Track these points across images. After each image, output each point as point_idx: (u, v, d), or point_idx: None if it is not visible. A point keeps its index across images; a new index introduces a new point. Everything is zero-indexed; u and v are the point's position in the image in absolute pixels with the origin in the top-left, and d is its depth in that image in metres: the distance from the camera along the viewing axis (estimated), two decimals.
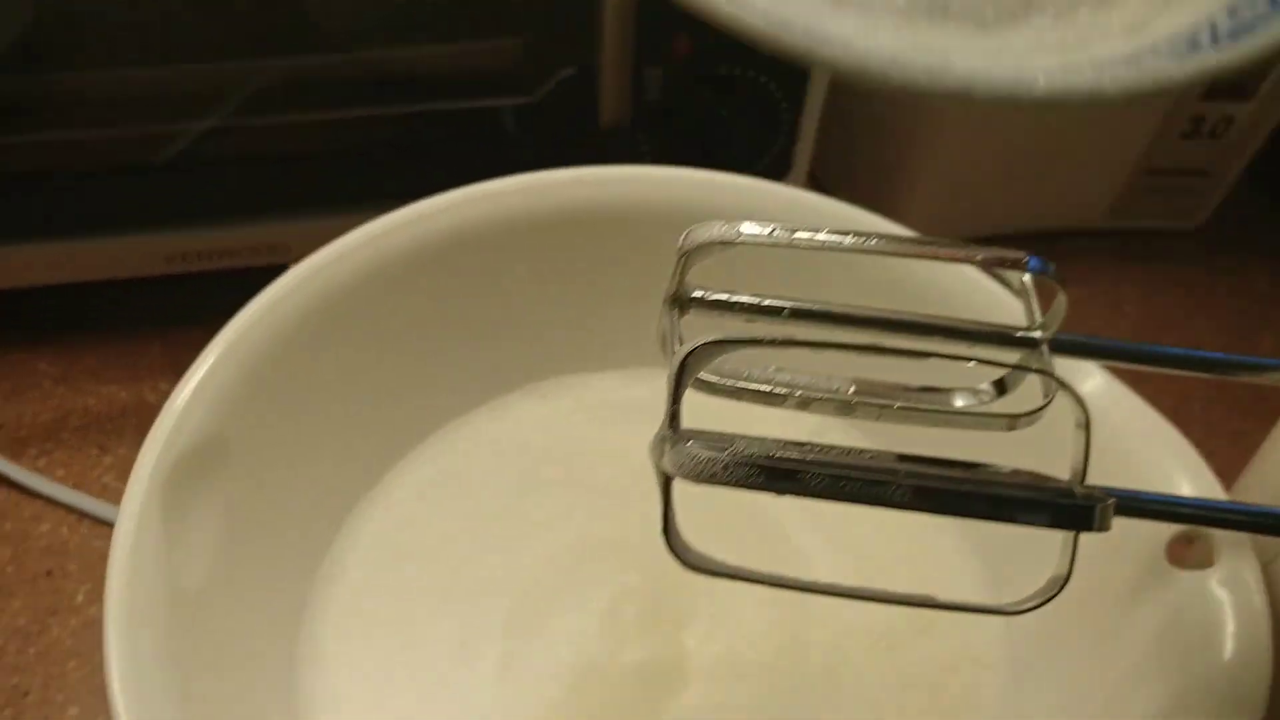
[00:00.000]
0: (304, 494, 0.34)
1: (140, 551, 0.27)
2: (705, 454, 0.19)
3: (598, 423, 0.39)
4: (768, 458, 0.19)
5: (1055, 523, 0.20)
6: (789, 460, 0.19)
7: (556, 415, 0.39)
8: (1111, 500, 0.20)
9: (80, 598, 0.41)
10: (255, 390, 0.31)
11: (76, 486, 0.43)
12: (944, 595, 0.35)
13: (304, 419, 0.33)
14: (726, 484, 0.19)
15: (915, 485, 0.19)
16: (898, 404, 0.22)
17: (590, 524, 0.36)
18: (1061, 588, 0.21)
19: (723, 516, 0.36)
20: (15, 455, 0.44)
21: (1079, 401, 0.21)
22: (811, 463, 0.19)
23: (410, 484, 0.37)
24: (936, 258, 0.21)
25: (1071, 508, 0.20)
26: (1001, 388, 0.25)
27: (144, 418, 0.29)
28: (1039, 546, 0.34)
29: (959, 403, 0.24)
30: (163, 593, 0.27)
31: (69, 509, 0.43)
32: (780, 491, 0.19)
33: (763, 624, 0.34)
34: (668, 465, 0.19)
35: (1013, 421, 0.22)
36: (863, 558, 0.36)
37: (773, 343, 0.20)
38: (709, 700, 0.32)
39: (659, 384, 0.40)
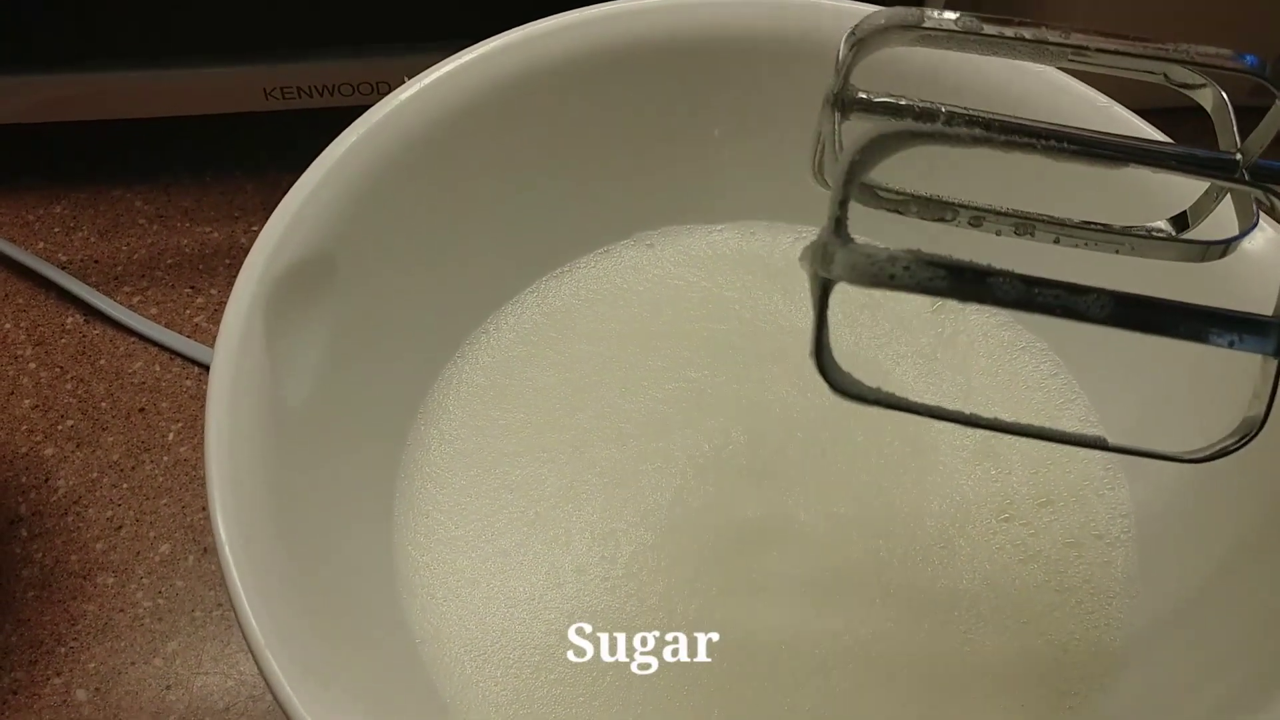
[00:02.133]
0: (409, 326, 0.32)
1: (244, 364, 0.26)
2: (886, 253, 0.17)
3: (707, 275, 0.37)
4: (959, 261, 0.17)
5: (1261, 345, 0.18)
6: (978, 264, 0.17)
7: (665, 266, 0.37)
8: None
9: (171, 436, 0.41)
10: (361, 211, 0.30)
11: (169, 325, 0.43)
12: (1071, 471, 0.33)
13: (409, 248, 0.32)
14: (905, 288, 0.17)
15: (1119, 295, 0.17)
16: (1078, 229, 0.20)
17: (696, 377, 0.35)
18: (1257, 431, 0.19)
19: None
20: (110, 291, 0.43)
21: None
22: (1007, 271, 0.17)
23: (514, 328, 0.35)
24: (1130, 54, 0.19)
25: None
26: (1183, 223, 0.23)
27: (237, 259, 0.28)
28: (1172, 428, 0.32)
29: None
30: (265, 409, 0.26)
31: (161, 348, 0.43)
32: (966, 298, 0.17)
33: (873, 490, 0.33)
34: (837, 267, 0.17)
35: (1206, 250, 0.20)
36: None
37: (961, 138, 0.18)
38: (808, 565, 0.31)
39: (772, 238, 0.39)
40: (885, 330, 0.36)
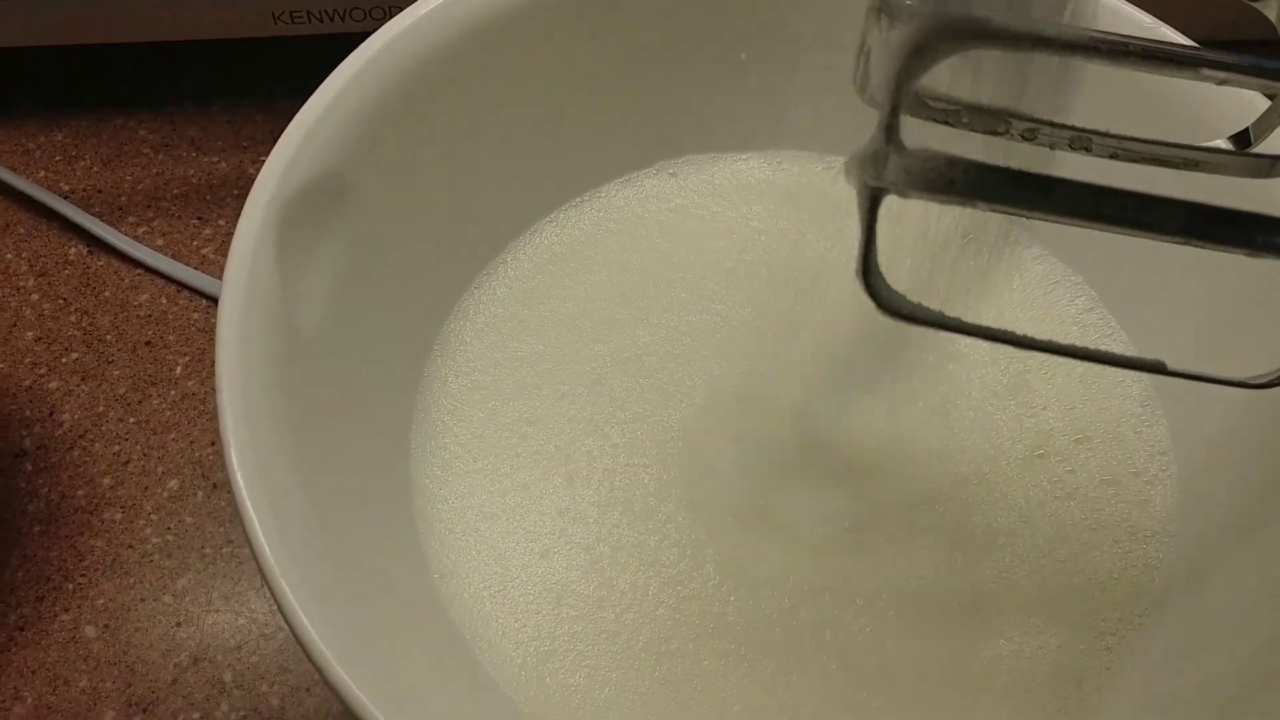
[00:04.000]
0: (424, 255, 0.31)
1: (255, 289, 0.25)
2: (942, 155, 0.16)
3: (732, 205, 0.36)
4: (1023, 166, 0.15)
5: None
6: (1042, 173, 0.16)
7: (689, 196, 0.36)
8: None
9: (179, 369, 0.40)
10: (375, 133, 0.29)
11: (176, 257, 0.42)
12: (1107, 407, 0.32)
13: (425, 173, 0.31)
14: (963, 195, 0.16)
15: (1193, 205, 0.15)
16: (1138, 143, 0.19)
17: (720, 309, 0.33)
18: None
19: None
20: (114, 222, 0.42)
21: None
22: (1073, 179, 0.16)
23: (534, 256, 0.34)
24: None
25: None
26: (1244, 141, 0.21)
27: (245, 190, 0.26)
28: (1215, 366, 0.31)
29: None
30: (277, 336, 0.25)
31: (168, 279, 0.41)
32: (1030, 207, 0.16)
33: (904, 428, 0.32)
34: (891, 172, 0.16)
35: (1275, 165, 0.19)
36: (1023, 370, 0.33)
37: (1023, 39, 0.16)
38: (837, 504, 0.30)
39: (800, 168, 0.38)
40: (914, 263, 0.35)
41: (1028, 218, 0.16)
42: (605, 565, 0.29)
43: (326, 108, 0.28)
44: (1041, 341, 0.19)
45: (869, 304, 0.34)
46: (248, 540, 0.22)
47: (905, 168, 0.16)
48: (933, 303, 0.33)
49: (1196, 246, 0.16)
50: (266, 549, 0.21)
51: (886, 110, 0.18)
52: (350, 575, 0.25)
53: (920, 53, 0.17)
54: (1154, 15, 0.30)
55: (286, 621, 0.21)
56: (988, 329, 0.19)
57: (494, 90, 0.32)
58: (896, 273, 0.34)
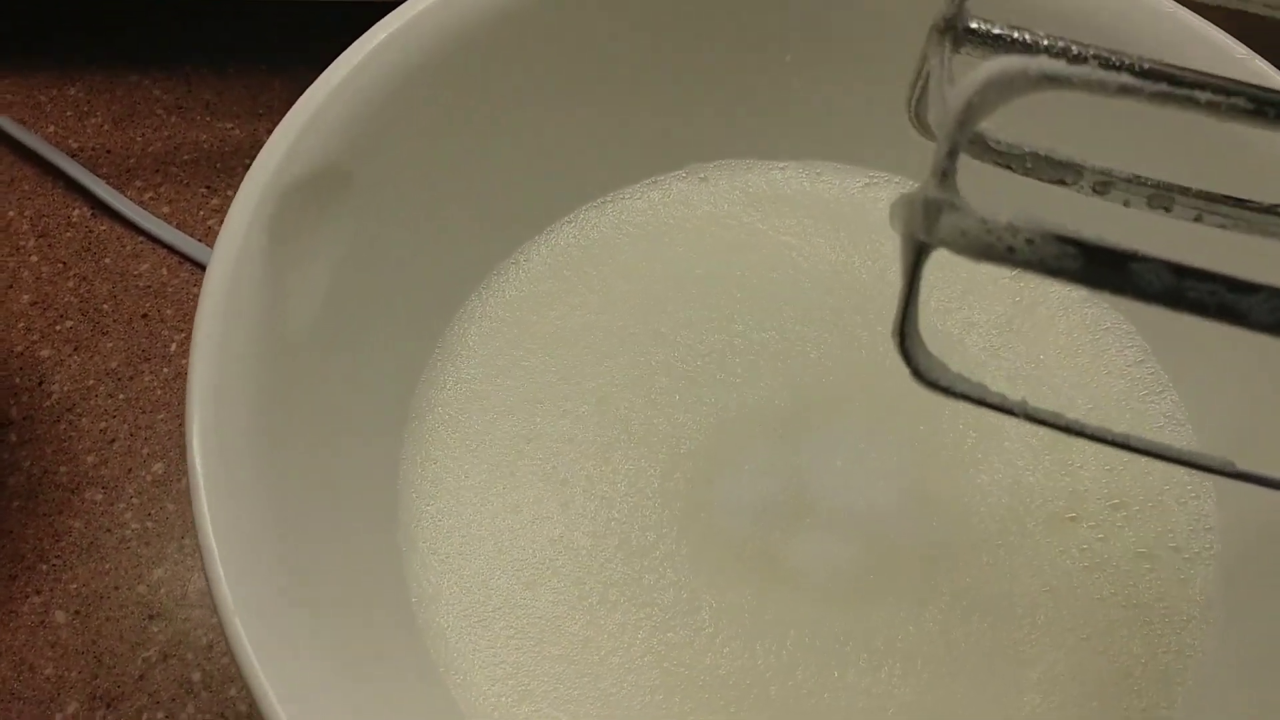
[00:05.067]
0: (431, 252, 0.29)
1: (242, 280, 0.23)
2: (1005, 220, 0.13)
3: (764, 216, 0.33)
4: (1097, 239, 0.13)
5: None
6: (1118, 245, 0.13)
7: (719, 203, 0.34)
8: None
9: (174, 346, 0.38)
10: (384, 122, 0.27)
11: (180, 227, 0.40)
12: (1151, 472, 0.30)
13: (435, 166, 0.29)
14: (1024, 264, 0.14)
15: None
16: (1228, 205, 0.17)
17: (742, 330, 0.31)
18: None
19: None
20: (121, 185, 0.40)
21: None
22: (1153, 256, 0.13)
23: (547, 258, 0.32)
24: None
25: None
26: None
27: None
28: (1269, 432, 0.29)
29: None
30: (261, 328, 0.24)
31: (170, 250, 0.40)
32: (1100, 285, 0.13)
33: (927, 477, 0.29)
34: (943, 230, 0.14)
35: None
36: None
37: (1106, 85, 0.14)
38: (845, 554, 0.28)
39: (842, 182, 0.35)
40: (957, 293, 0.32)
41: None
42: (594, 602, 0.27)
43: (331, 93, 0.26)
44: (1092, 428, 0.17)
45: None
46: (198, 544, 0.20)
47: (961, 227, 0.14)
48: (974, 336, 0.31)
49: None
50: (219, 565, 0.20)
51: (943, 154, 0.15)
52: (317, 599, 0.23)
53: (986, 95, 0.15)
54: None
55: (233, 657, 0.19)
56: (1034, 410, 0.16)
57: (517, 80, 0.30)
58: (935, 302, 0.32)
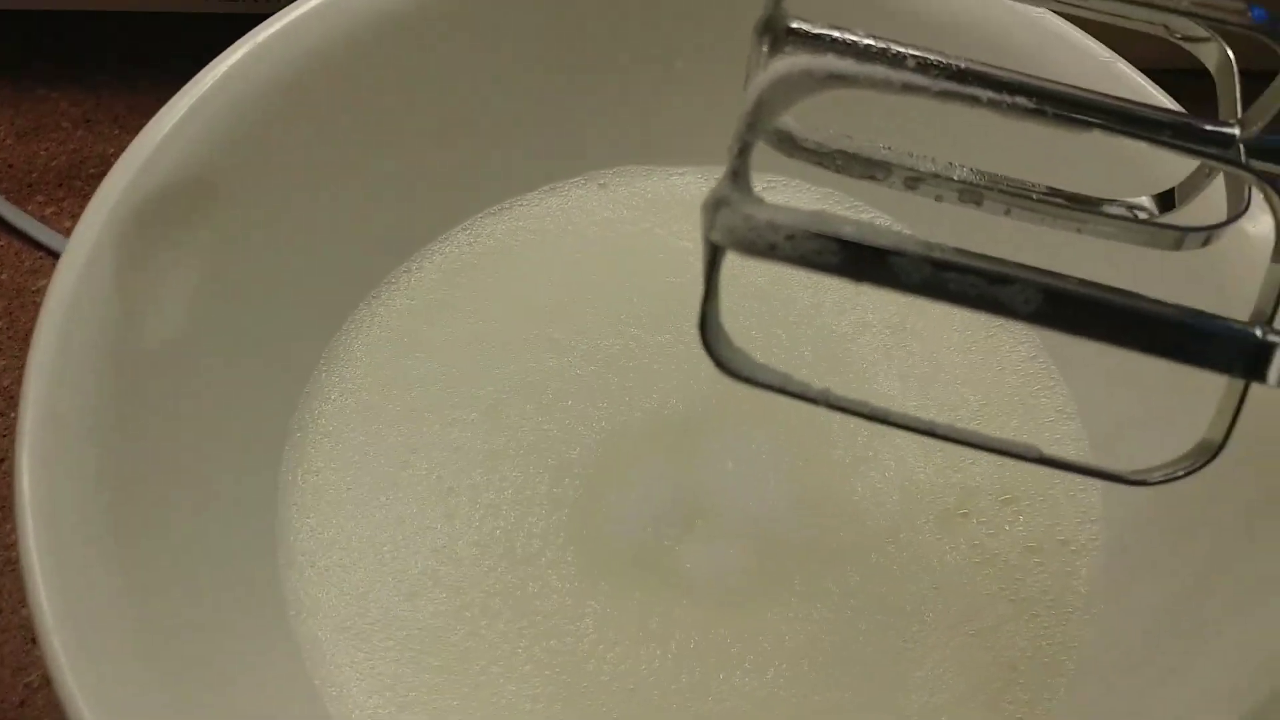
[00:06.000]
0: (313, 262, 0.29)
1: (85, 299, 0.23)
2: (766, 217, 0.13)
3: (663, 222, 0.33)
4: (854, 234, 0.13)
5: (1222, 361, 0.14)
6: (883, 239, 0.13)
7: (618, 209, 0.33)
8: None
9: None
10: (255, 131, 0.27)
11: None
12: (1040, 467, 0.30)
13: (318, 177, 0.29)
14: (787, 260, 0.14)
15: (1048, 287, 0.13)
16: (1036, 195, 0.17)
17: (638, 334, 0.31)
18: (1212, 457, 0.16)
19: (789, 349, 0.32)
20: (21, 200, 0.40)
21: None
22: (912, 249, 0.13)
23: (441, 266, 0.32)
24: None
25: (1249, 346, 0.15)
26: (1168, 202, 0.19)
27: None
28: (1155, 423, 0.29)
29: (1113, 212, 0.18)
30: (109, 348, 0.23)
31: None
32: (861, 278, 0.13)
33: (817, 475, 0.29)
34: (717, 230, 0.14)
35: (1183, 238, 0.17)
36: (946, 407, 0.31)
37: (889, 83, 0.14)
38: (735, 555, 0.28)
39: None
40: (850, 293, 0.32)
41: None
42: (475, 612, 0.27)
43: (198, 101, 0.26)
44: (896, 415, 0.16)
45: (794, 341, 0.32)
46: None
47: (728, 225, 0.14)
48: (867, 336, 0.31)
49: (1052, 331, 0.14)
50: (42, 593, 0.19)
51: (734, 152, 0.15)
52: (175, 614, 0.23)
53: (772, 94, 0.15)
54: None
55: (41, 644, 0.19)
56: (836, 398, 0.16)
57: (403, 84, 0.30)
58: (828, 303, 0.32)
